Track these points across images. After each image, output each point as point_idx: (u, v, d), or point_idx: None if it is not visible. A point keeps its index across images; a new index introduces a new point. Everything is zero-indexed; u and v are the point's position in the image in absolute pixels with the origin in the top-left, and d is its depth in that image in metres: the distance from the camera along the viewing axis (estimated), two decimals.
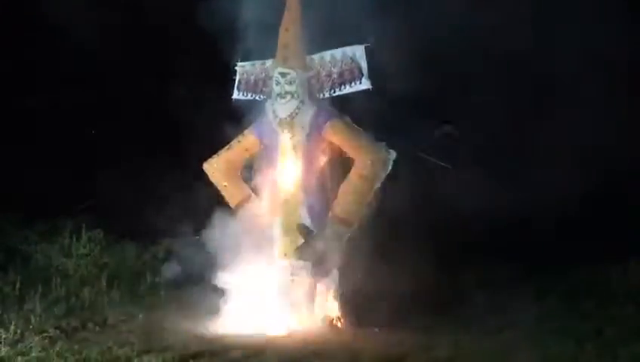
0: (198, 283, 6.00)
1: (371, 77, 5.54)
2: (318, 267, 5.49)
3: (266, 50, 5.78)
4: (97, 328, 5.31)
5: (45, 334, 4.97)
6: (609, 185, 7.83)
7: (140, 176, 8.82)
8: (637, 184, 7.99)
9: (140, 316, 5.63)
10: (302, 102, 5.58)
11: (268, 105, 5.74)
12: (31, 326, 5.11)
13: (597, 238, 7.31)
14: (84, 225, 7.41)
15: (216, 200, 5.90)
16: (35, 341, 4.78)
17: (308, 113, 5.58)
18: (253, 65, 6.01)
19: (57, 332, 5.06)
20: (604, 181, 7.64)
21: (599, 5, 7.37)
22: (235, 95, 6.13)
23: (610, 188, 7.91)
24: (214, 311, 5.65)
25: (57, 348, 4.65)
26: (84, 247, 7.21)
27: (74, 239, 7.28)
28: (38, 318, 5.29)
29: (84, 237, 7.31)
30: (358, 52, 5.56)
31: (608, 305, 5.94)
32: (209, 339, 5.04)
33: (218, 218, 5.78)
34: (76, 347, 4.71)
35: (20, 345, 4.71)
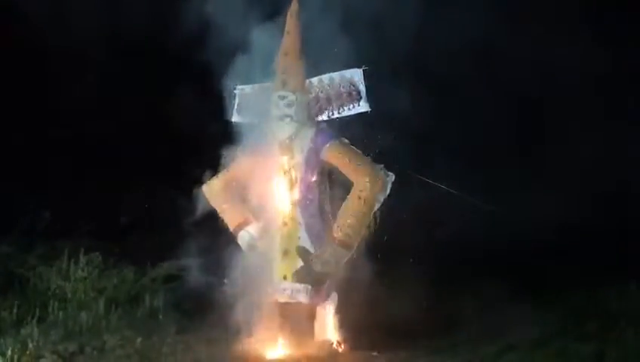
0: (197, 307, 5.96)
1: (369, 99, 5.57)
2: (318, 290, 5.47)
3: (266, 74, 5.80)
4: (95, 353, 5.26)
5: (43, 359, 4.93)
6: (609, 207, 7.84)
7: (140, 198, 8.83)
8: (637, 207, 8.00)
9: (139, 340, 5.58)
10: (300, 124, 5.61)
11: (267, 127, 5.75)
12: (28, 352, 5.06)
13: (597, 260, 7.31)
14: (82, 249, 7.39)
15: (216, 223, 5.88)
16: None
17: (306, 135, 5.60)
18: (252, 88, 6.03)
19: (55, 357, 5.02)
20: (604, 203, 7.66)
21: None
22: (235, 118, 6.14)
23: (611, 211, 7.92)
24: (213, 335, 5.62)
25: None
26: (82, 271, 7.14)
27: (72, 262, 7.23)
28: (35, 343, 5.24)
29: (83, 260, 7.24)
30: (357, 75, 5.59)
31: (609, 327, 5.89)
32: None
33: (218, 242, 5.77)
34: None
35: None
